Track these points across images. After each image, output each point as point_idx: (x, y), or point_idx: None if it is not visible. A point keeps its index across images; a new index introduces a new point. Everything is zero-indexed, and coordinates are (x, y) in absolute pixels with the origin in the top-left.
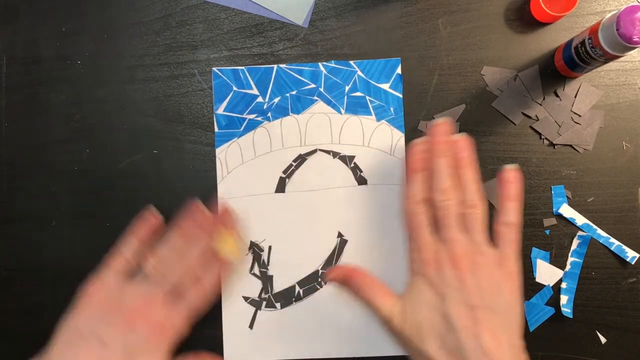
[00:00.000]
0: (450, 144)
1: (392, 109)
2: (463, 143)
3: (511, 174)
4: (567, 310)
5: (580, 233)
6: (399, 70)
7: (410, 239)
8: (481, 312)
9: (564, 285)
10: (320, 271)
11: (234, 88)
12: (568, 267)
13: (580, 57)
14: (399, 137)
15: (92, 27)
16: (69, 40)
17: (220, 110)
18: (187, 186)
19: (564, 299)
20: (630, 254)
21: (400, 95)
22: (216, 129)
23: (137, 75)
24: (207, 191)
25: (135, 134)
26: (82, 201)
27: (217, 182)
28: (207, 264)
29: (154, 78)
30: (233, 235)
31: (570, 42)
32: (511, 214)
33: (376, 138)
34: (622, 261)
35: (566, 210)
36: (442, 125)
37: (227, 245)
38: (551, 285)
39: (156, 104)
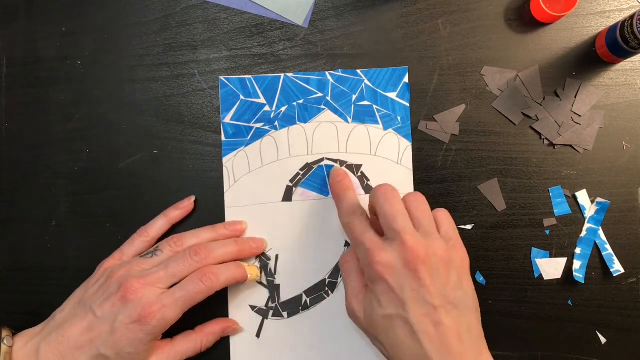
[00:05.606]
0: None
1: (399, 117)
2: None
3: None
4: (579, 276)
5: (599, 200)
6: (406, 79)
7: None
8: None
9: (578, 250)
10: (328, 280)
11: (241, 97)
12: (584, 232)
13: (625, 38)
14: (406, 146)
15: (92, 27)
16: (69, 40)
17: (227, 119)
18: (187, 186)
19: (576, 264)
20: (616, 267)
21: (408, 104)
22: (223, 138)
23: (137, 75)
24: (207, 191)
25: (135, 134)
26: (82, 201)
27: (224, 190)
28: (225, 266)
29: (154, 78)
30: (254, 265)
31: (614, 25)
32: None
33: (383, 147)
34: (622, 262)
35: (582, 196)
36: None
37: (251, 269)
38: (560, 273)
39: (156, 104)
